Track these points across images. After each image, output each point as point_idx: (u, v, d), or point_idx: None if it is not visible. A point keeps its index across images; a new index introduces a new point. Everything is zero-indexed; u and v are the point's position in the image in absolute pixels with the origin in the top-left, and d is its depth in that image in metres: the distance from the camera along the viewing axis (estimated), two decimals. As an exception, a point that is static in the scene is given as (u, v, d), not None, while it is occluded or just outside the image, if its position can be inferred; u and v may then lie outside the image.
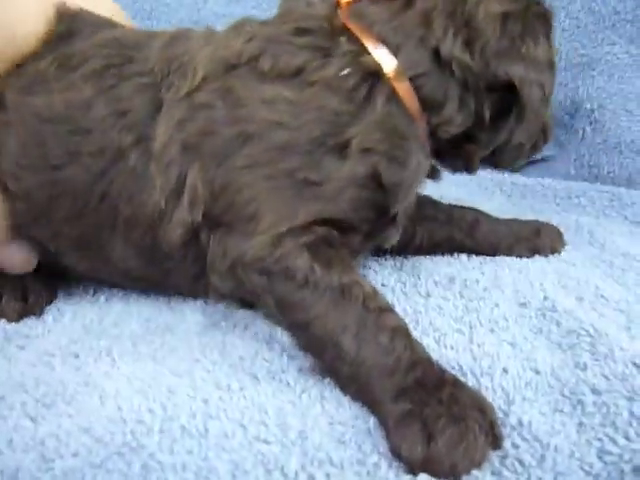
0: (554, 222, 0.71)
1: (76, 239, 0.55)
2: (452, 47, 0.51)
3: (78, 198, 0.53)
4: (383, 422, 0.38)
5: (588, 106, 0.96)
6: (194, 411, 0.40)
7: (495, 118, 0.55)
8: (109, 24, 0.60)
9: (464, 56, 0.51)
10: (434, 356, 0.42)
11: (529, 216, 0.72)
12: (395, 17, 0.52)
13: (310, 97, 0.48)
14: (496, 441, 0.36)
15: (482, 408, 0.37)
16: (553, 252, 0.67)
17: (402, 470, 0.35)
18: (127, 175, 0.51)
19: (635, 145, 0.94)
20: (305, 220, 0.46)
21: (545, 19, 0.56)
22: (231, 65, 0.51)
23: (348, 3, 0.54)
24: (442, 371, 0.40)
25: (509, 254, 0.66)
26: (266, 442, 0.37)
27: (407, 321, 0.46)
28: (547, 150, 1.05)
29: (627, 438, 0.36)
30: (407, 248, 0.65)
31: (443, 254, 0.66)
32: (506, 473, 0.34)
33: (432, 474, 0.34)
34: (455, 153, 0.58)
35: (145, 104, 0.52)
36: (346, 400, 0.41)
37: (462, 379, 0.40)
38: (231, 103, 0.49)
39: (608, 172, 0.95)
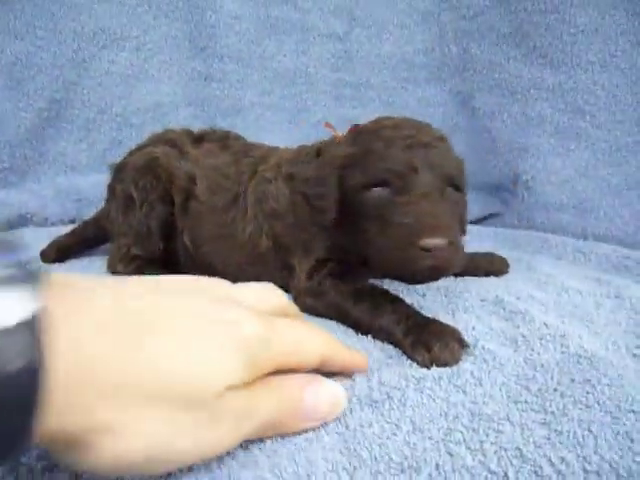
0: (505, 256, 0.98)
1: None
2: None
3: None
4: (401, 348, 0.62)
5: (524, 177, 1.29)
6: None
7: None
8: None
9: None
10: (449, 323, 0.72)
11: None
12: None
13: None
14: (464, 345, 0.60)
15: (453, 330, 0.62)
16: (501, 274, 0.93)
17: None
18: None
19: (557, 205, 1.27)
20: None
21: None
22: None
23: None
24: (426, 317, 0.64)
25: (472, 275, 0.91)
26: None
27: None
28: (497, 208, 1.40)
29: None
30: None
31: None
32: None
33: (436, 366, 0.57)
34: None
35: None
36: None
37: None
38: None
39: (540, 223, 1.26)
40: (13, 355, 0.26)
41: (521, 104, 1.31)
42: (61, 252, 1.02)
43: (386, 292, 0.72)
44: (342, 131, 0.81)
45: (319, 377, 0.45)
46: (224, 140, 0.98)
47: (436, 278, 0.69)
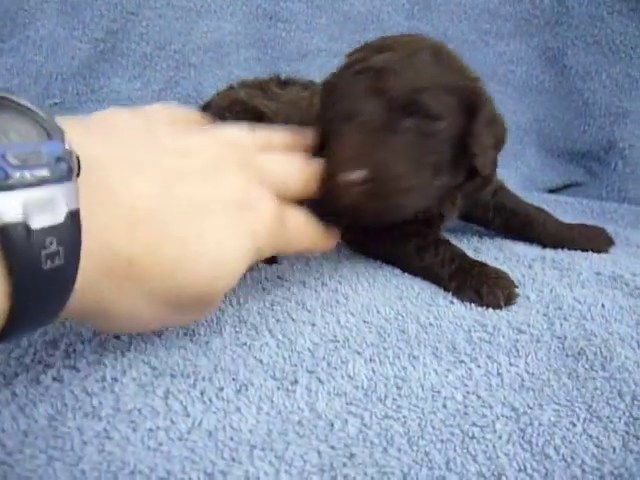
0: None
1: None
2: None
3: None
4: (446, 291, 0.65)
5: (621, 145, 1.20)
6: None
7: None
8: None
9: None
10: (554, 300, 0.65)
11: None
12: None
13: None
14: (514, 286, 0.64)
15: (501, 273, 0.65)
16: (604, 250, 0.84)
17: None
18: None
19: None
20: None
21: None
22: None
23: None
24: (472, 260, 0.67)
25: (566, 246, 0.84)
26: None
27: (526, 279, 0.70)
28: (580, 177, 1.31)
29: None
30: (487, 228, 0.89)
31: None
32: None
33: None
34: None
35: None
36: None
37: (577, 311, 0.64)
38: None
39: (634, 195, 1.18)
40: (63, 245, 0.32)
41: (624, 64, 1.21)
42: None
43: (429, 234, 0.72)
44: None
45: None
46: (308, 83, 0.95)
47: (360, 218, 0.63)
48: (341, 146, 0.59)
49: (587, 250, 0.85)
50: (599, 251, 0.85)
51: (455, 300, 0.64)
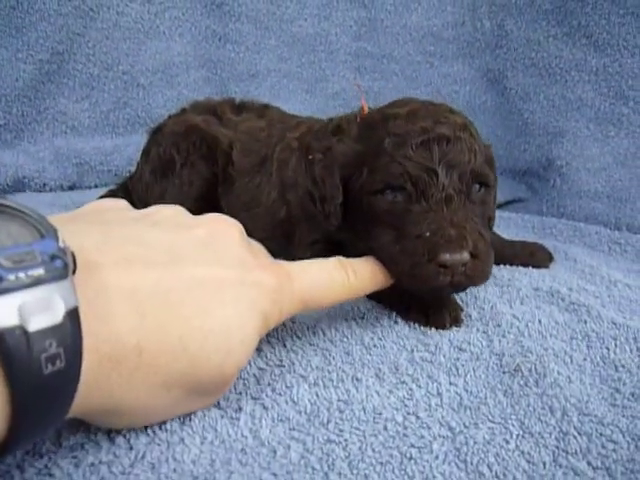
0: None
1: None
2: None
3: None
4: (398, 314, 0.66)
5: (558, 163, 1.24)
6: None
7: None
8: None
9: None
10: (493, 317, 0.68)
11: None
12: None
13: None
14: (460, 309, 0.66)
15: (448, 301, 0.66)
16: (544, 266, 0.88)
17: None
18: None
19: (590, 192, 1.22)
20: None
21: None
22: None
23: None
24: None
25: (509, 263, 0.88)
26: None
27: (469, 297, 0.73)
28: (521, 193, 1.36)
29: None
30: None
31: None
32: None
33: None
34: None
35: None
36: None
37: (515, 328, 0.66)
38: None
39: (571, 211, 1.23)
40: (63, 346, 0.30)
41: (560, 86, 1.26)
42: None
43: None
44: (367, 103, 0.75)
45: None
46: (263, 109, 0.96)
47: (456, 292, 0.67)
48: (435, 226, 0.58)
49: (528, 266, 0.89)
50: (539, 266, 0.89)
51: (399, 320, 0.66)
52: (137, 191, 0.93)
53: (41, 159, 1.22)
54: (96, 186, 1.02)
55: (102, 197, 0.99)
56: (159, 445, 0.42)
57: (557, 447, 0.44)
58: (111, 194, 1.00)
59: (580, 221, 1.19)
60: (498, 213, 1.25)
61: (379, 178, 0.62)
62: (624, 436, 0.46)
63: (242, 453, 0.42)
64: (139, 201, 0.91)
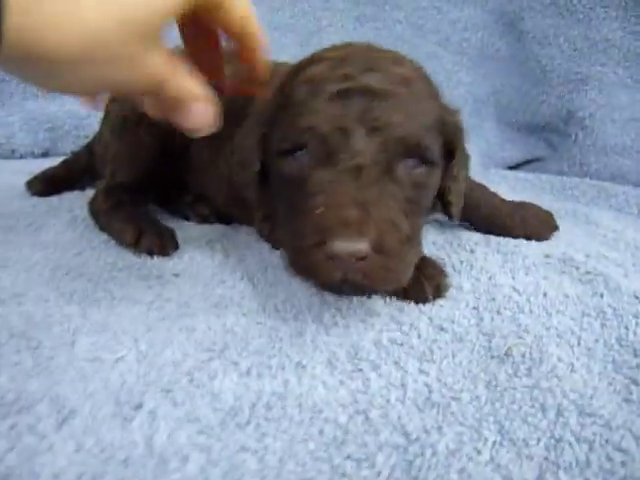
0: (554, 210, 0.78)
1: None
2: None
3: None
4: None
5: (580, 114, 1.12)
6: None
7: None
8: None
9: None
10: (489, 290, 0.57)
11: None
12: None
13: None
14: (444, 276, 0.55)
15: (429, 261, 0.57)
16: (544, 238, 0.73)
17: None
18: None
19: (618, 147, 1.10)
20: None
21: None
22: None
23: None
24: None
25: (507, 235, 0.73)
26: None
27: (464, 266, 0.62)
28: (539, 151, 1.23)
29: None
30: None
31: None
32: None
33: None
34: None
35: None
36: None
37: (513, 303, 0.55)
38: None
39: (595, 169, 1.11)
40: None
41: (583, 26, 1.12)
42: (50, 184, 0.86)
43: None
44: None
45: None
46: None
47: (357, 294, 0.53)
48: (332, 201, 0.44)
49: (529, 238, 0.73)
50: (538, 239, 0.74)
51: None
52: (98, 152, 0.84)
53: (10, 124, 1.14)
54: (72, 153, 0.93)
55: (65, 162, 0.91)
56: (22, 452, 0.33)
57: (546, 459, 0.34)
58: (75, 158, 0.91)
59: (605, 180, 1.07)
60: (513, 173, 1.14)
61: (284, 135, 0.50)
62: (638, 444, 0.34)
63: (123, 465, 0.32)
64: (100, 163, 0.81)
